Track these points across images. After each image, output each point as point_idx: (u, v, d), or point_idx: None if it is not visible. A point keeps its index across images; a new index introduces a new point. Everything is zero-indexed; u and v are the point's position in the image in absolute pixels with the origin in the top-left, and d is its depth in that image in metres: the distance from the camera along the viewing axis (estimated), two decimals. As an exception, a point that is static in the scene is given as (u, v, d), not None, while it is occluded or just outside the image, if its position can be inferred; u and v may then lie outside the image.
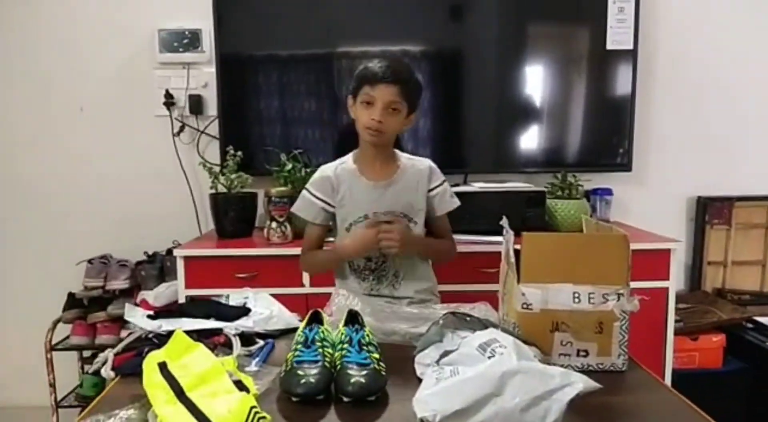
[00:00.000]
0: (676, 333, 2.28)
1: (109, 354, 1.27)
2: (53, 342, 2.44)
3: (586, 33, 2.62)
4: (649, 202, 2.73)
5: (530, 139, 2.68)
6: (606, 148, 2.67)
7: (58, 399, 2.46)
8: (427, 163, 1.72)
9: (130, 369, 1.20)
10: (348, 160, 1.70)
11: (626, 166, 2.64)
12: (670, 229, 2.56)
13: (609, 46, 2.56)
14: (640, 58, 2.59)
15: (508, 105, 2.64)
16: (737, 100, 2.74)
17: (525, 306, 1.19)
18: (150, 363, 1.11)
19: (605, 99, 2.64)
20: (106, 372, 1.22)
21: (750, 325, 2.51)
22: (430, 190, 1.70)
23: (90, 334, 2.42)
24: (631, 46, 2.56)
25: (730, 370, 2.40)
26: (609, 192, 2.61)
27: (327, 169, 1.70)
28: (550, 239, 1.26)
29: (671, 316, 2.23)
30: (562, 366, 1.17)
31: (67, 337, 2.47)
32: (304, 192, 1.71)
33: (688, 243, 2.74)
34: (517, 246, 1.21)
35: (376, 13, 2.54)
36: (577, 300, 1.18)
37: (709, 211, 2.69)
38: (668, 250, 2.19)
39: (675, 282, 2.23)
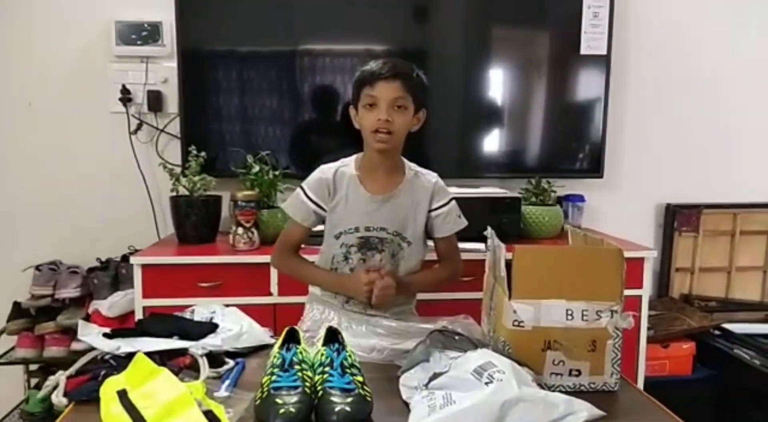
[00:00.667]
0: (648, 341, 2.27)
1: (60, 377, 1.15)
2: (-4, 356, 2.27)
3: (560, 37, 2.60)
4: (620, 208, 2.73)
5: (500, 144, 2.65)
6: (578, 154, 2.65)
7: (1, 416, 2.28)
8: (433, 179, 1.62)
9: (84, 395, 1.09)
10: (350, 163, 1.59)
11: (598, 172, 2.63)
12: (639, 236, 2.56)
13: (583, 51, 2.54)
14: (613, 63, 2.58)
15: (475, 108, 2.60)
16: (710, 107, 2.76)
17: (516, 323, 1.13)
18: (108, 390, 1.01)
19: (577, 104, 2.62)
20: (58, 398, 1.10)
21: (717, 332, 2.53)
22: (431, 210, 1.60)
23: (37, 346, 2.25)
24: (604, 52, 2.55)
25: (700, 378, 2.42)
26: (581, 198, 2.59)
27: (327, 170, 1.59)
28: (542, 253, 1.21)
29: (644, 325, 2.23)
30: (553, 386, 1.13)
31: (12, 349, 2.30)
32: (298, 190, 1.60)
33: (657, 250, 2.75)
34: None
35: (340, 10, 2.47)
36: (570, 317, 1.12)
37: (678, 218, 2.71)
38: (642, 259, 2.19)
39: (648, 290, 2.22)
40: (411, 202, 1.58)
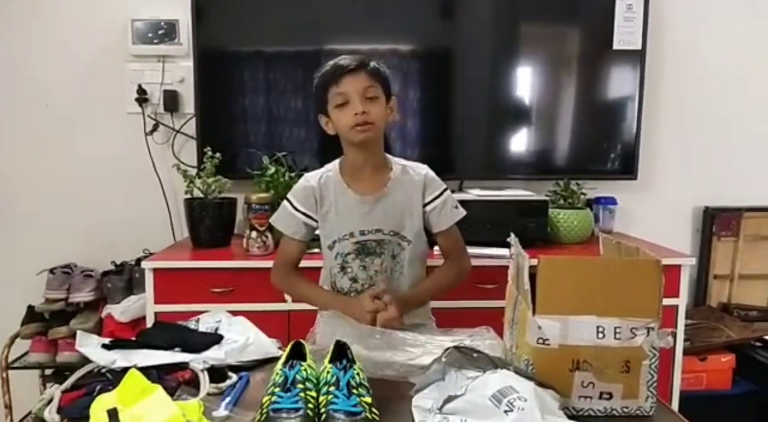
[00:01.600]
0: (684, 353, 2.15)
1: (55, 391, 1.09)
2: (10, 360, 2.26)
3: (591, 32, 2.50)
4: (654, 211, 2.61)
5: (529, 144, 2.55)
6: (609, 154, 2.53)
7: (15, 421, 2.26)
8: (422, 171, 1.54)
9: (77, 411, 1.03)
10: (334, 168, 1.53)
11: (631, 174, 2.50)
12: (675, 241, 2.45)
13: (616, 46, 2.42)
14: (648, 59, 2.45)
15: (504, 108, 2.51)
16: (749, 106, 2.63)
17: (541, 340, 1.03)
18: (98, 408, 0.95)
19: (610, 101, 2.51)
20: (51, 414, 1.04)
21: (759, 344, 2.39)
22: (425, 204, 1.52)
23: (51, 351, 2.24)
24: (639, 46, 2.43)
25: (740, 393, 2.29)
26: (613, 201, 2.47)
27: (311, 178, 1.53)
28: (569, 264, 1.10)
29: (680, 336, 2.11)
30: (582, 410, 1.03)
31: (26, 354, 2.28)
32: (284, 202, 1.54)
33: (694, 256, 2.61)
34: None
35: (365, 9, 2.41)
36: (601, 334, 1.02)
37: (717, 222, 2.58)
38: (679, 266, 2.07)
39: (684, 299, 2.09)
40: (403, 198, 1.50)
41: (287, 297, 1.98)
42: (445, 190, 1.55)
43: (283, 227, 1.54)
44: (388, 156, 1.55)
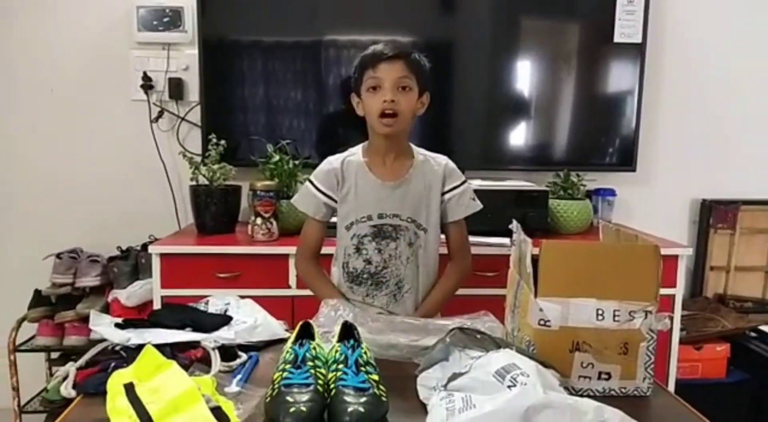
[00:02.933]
0: (680, 342, 2.18)
1: (70, 368, 1.12)
2: (17, 343, 2.27)
3: (592, 25, 2.50)
4: (652, 203, 2.63)
5: (529, 136, 2.57)
6: (609, 146, 2.55)
7: (22, 403, 2.29)
8: (443, 161, 1.57)
9: (92, 387, 1.06)
10: (358, 152, 1.56)
11: (630, 166, 2.53)
12: (673, 232, 2.48)
13: (617, 39, 2.44)
14: (648, 52, 2.47)
15: (505, 100, 2.52)
16: (748, 100, 2.64)
17: (542, 322, 1.06)
18: (115, 383, 0.97)
19: (610, 94, 2.53)
20: (67, 390, 1.07)
21: (753, 334, 2.43)
22: (444, 193, 1.55)
23: (58, 334, 2.26)
24: (639, 40, 2.44)
25: (734, 381, 2.33)
26: (612, 192, 2.50)
27: (334, 161, 1.55)
28: (571, 248, 1.13)
29: (677, 325, 2.14)
30: (581, 389, 1.07)
31: (33, 337, 2.30)
32: (306, 183, 1.57)
33: (691, 247, 2.64)
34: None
35: (366, 1, 2.42)
36: (600, 317, 1.05)
37: (714, 215, 2.60)
38: (676, 256, 2.10)
39: (681, 289, 2.13)
40: (423, 187, 1.53)
41: (292, 282, 2.02)
42: (464, 181, 1.58)
43: (305, 207, 1.56)
44: (411, 145, 1.57)
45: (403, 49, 1.46)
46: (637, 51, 2.46)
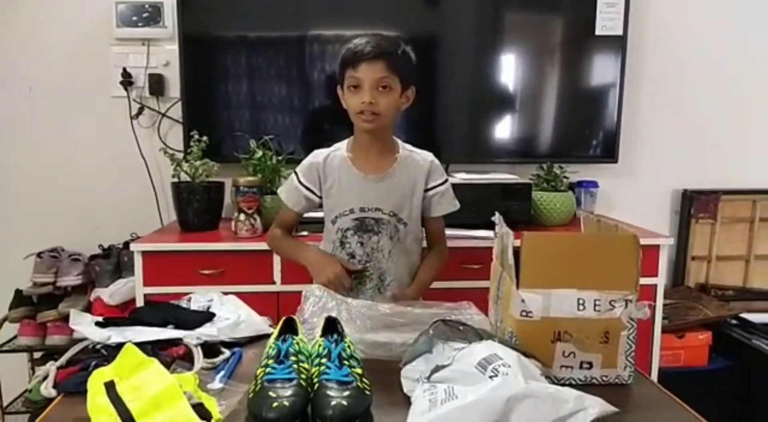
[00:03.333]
0: (662, 330, 2.21)
1: (51, 368, 1.11)
2: (-1, 343, 2.25)
3: (574, 18, 2.51)
4: (634, 194, 2.65)
5: (513, 129, 2.57)
6: (591, 139, 2.57)
7: (5, 404, 2.27)
8: (428, 157, 1.59)
9: (73, 386, 1.05)
10: (342, 146, 1.57)
11: (612, 158, 2.55)
12: (655, 223, 2.50)
13: (598, 32, 2.45)
14: (629, 44, 2.49)
15: (488, 93, 2.52)
16: (728, 91, 2.66)
17: (524, 313, 1.07)
18: (95, 381, 0.97)
19: (592, 87, 2.54)
20: (47, 389, 1.06)
21: (734, 322, 2.46)
22: (427, 190, 1.57)
23: (40, 334, 2.23)
24: (621, 32, 2.46)
25: (716, 368, 2.36)
26: (595, 184, 2.52)
27: (319, 155, 1.57)
28: (552, 239, 1.14)
29: (659, 314, 2.16)
30: (563, 379, 1.08)
31: (15, 337, 2.28)
32: (292, 175, 1.60)
33: (672, 237, 2.67)
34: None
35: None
36: (581, 307, 1.06)
37: (695, 205, 2.62)
38: (657, 246, 2.12)
39: (663, 279, 2.15)
40: (407, 182, 1.54)
41: (276, 278, 2.01)
42: (446, 180, 1.60)
43: (286, 198, 1.60)
44: (396, 140, 1.58)
45: (386, 48, 1.43)
46: (618, 43, 2.48)
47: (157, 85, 2.44)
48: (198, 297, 1.39)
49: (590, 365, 1.08)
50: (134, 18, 2.39)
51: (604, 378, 1.09)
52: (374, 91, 1.42)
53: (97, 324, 1.22)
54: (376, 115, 1.43)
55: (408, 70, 1.48)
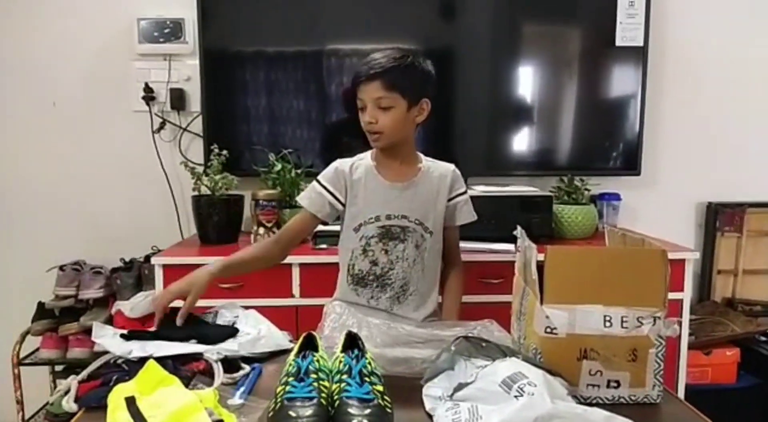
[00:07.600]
0: (689, 346, 2.16)
1: (72, 382, 1.11)
2: (21, 356, 2.27)
3: (593, 29, 2.49)
4: (658, 207, 2.61)
5: (532, 141, 2.55)
6: (613, 151, 2.54)
7: (26, 417, 2.28)
8: (450, 167, 1.60)
9: (94, 400, 1.04)
10: (367, 156, 1.58)
11: (635, 170, 2.51)
12: (679, 236, 2.45)
13: (618, 43, 2.43)
14: (650, 55, 2.46)
15: (507, 105, 2.51)
16: (752, 102, 2.62)
17: (549, 330, 1.04)
18: (116, 397, 0.97)
19: (612, 98, 2.51)
20: (69, 403, 1.06)
21: (763, 338, 2.40)
22: (450, 199, 1.58)
23: (61, 347, 2.25)
24: (641, 43, 2.43)
25: (745, 386, 2.30)
26: (617, 197, 2.48)
27: (344, 163, 1.57)
28: (576, 254, 1.12)
29: (685, 330, 2.12)
30: (590, 398, 1.05)
31: (37, 350, 2.29)
32: (314, 182, 1.58)
33: (698, 251, 2.62)
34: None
35: (367, 9, 2.42)
36: (608, 323, 1.04)
37: (720, 218, 2.58)
38: (683, 260, 2.08)
39: (689, 293, 2.10)
40: (431, 189, 1.56)
41: (295, 292, 2.01)
42: (466, 190, 1.62)
43: (308, 204, 1.55)
44: (418, 153, 1.59)
45: (381, 66, 1.42)
46: (639, 54, 2.45)
47: (178, 99, 2.46)
48: (225, 313, 1.39)
49: (618, 384, 1.05)
50: (156, 34, 2.42)
51: (633, 398, 1.06)
52: (375, 110, 1.44)
53: (122, 336, 1.22)
54: (379, 133, 1.46)
55: (414, 83, 1.46)
